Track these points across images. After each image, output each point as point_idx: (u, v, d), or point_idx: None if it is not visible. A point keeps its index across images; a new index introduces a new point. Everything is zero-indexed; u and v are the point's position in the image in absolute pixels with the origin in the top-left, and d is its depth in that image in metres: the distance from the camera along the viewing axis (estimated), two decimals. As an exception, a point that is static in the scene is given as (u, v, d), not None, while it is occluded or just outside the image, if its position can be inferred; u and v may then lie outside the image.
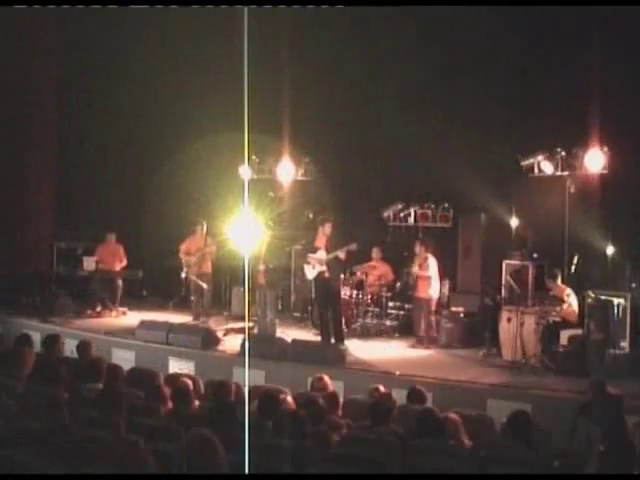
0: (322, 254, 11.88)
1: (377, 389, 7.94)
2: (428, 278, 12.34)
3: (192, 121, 15.70)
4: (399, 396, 7.91)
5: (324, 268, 11.88)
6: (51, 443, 5.52)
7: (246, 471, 5.19)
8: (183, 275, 14.05)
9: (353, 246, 11.83)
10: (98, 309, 14.42)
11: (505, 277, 12.04)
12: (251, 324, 13.28)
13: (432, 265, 12.36)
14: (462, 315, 12.62)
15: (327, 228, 11.99)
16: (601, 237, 12.17)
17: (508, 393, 9.26)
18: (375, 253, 13.65)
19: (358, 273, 13.53)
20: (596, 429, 6.82)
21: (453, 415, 6.92)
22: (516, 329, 10.92)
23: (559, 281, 11.41)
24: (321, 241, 12.00)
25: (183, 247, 14.07)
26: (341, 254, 11.75)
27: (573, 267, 11.79)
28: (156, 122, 15.88)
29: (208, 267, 14.02)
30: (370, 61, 14.31)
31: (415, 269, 12.43)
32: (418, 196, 13.86)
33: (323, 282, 12.00)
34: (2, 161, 15.33)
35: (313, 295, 13.17)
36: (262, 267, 12.42)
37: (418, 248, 12.51)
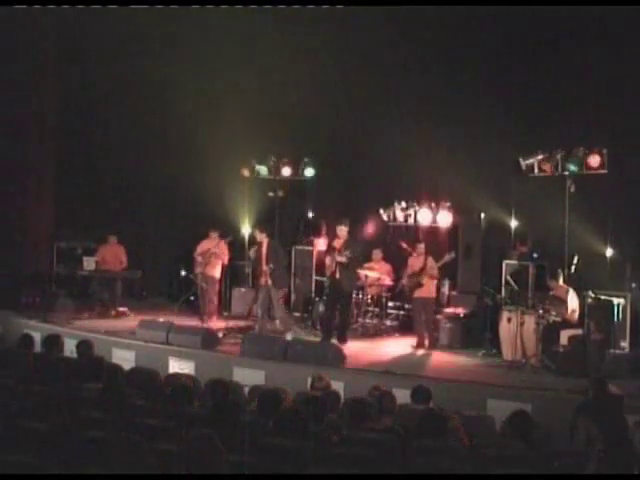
0: (335, 255, 12.00)
1: (376, 388, 7.94)
2: (429, 279, 12.33)
3: (194, 121, 15.71)
4: (399, 396, 7.91)
5: (334, 268, 12.00)
6: (51, 443, 5.52)
7: (246, 471, 5.19)
8: (190, 275, 14.04)
9: (347, 253, 11.89)
10: (98, 309, 14.41)
11: (505, 277, 12.05)
12: (251, 324, 13.32)
13: (434, 267, 12.34)
14: (462, 315, 12.63)
15: (341, 230, 12.11)
16: (601, 237, 12.17)
17: (508, 393, 9.26)
18: (375, 254, 13.64)
19: (360, 273, 13.54)
20: (596, 429, 6.82)
21: (453, 415, 6.92)
22: (516, 329, 10.93)
23: (561, 281, 11.40)
24: (338, 242, 12.14)
25: (198, 249, 14.09)
26: (341, 258, 11.87)
27: (573, 267, 11.79)
28: (157, 122, 15.89)
29: (213, 269, 13.99)
30: (371, 61, 14.32)
31: (419, 273, 12.39)
32: (418, 196, 13.87)
33: (334, 283, 12.11)
34: (2, 161, 15.31)
35: (313, 294, 13.23)
36: (266, 268, 12.45)
37: (419, 249, 12.44)
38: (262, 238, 12.69)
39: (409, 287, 12.48)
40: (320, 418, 6.52)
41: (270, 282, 12.49)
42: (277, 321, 13.21)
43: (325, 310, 12.73)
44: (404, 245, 12.87)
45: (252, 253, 13.00)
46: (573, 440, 6.85)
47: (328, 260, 12.24)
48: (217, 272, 14.05)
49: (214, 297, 14.06)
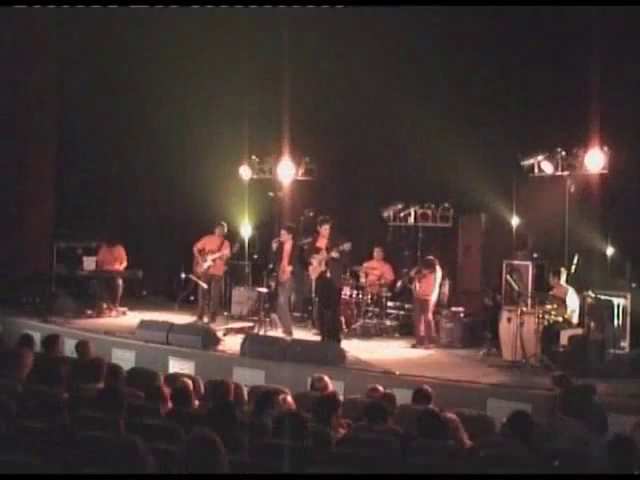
0: (323, 254, 11.99)
1: (374, 389, 7.94)
2: (430, 280, 12.34)
3: (193, 121, 15.72)
4: (399, 396, 7.91)
5: (324, 268, 11.99)
6: (51, 443, 5.52)
7: (246, 471, 5.19)
8: (191, 276, 14.06)
9: (346, 246, 11.87)
10: (98, 309, 14.40)
11: (505, 277, 12.05)
12: (251, 324, 13.32)
13: (438, 279, 12.36)
14: (462, 315, 12.63)
15: (326, 229, 12.10)
16: (601, 237, 12.17)
17: (508, 393, 9.26)
18: (376, 253, 13.67)
19: (360, 273, 13.55)
20: (574, 425, 6.81)
21: (453, 415, 6.92)
22: (516, 329, 10.93)
23: (562, 280, 11.37)
24: (322, 242, 12.12)
25: (199, 244, 14.08)
26: (334, 254, 11.86)
27: (573, 267, 11.79)
28: (156, 122, 15.90)
29: (219, 269, 14.02)
30: (370, 61, 14.31)
31: (417, 281, 12.41)
32: (418, 196, 13.87)
33: (323, 282, 12.13)
34: (2, 161, 15.31)
35: (314, 295, 13.24)
36: (290, 268, 12.45)
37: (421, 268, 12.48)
38: (286, 238, 12.69)
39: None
40: (320, 418, 6.53)
41: (291, 282, 12.49)
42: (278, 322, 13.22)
43: (319, 311, 12.72)
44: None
45: (274, 245, 12.92)
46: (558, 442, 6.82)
47: (315, 262, 12.18)
48: (221, 272, 14.10)
49: (217, 296, 14.08)
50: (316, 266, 12.15)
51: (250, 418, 6.53)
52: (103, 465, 4.86)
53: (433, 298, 12.40)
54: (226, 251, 13.97)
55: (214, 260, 13.86)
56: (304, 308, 14.23)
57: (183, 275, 14.13)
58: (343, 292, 12.89)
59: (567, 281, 11.42)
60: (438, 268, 12.39)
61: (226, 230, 14.13)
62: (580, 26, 12.14)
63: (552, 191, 12.12)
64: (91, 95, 15.64)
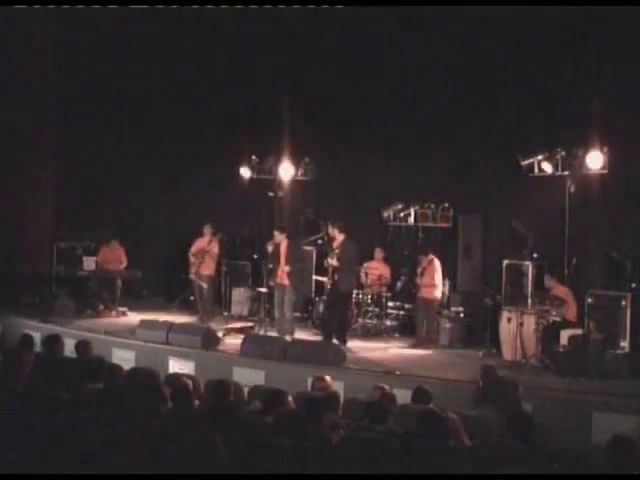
0: (332, 257, 12.08)
1: (379, 387, 7.93)
2: (432, 280, 12.34)
3: (193, 121, 15.71)
4: (399, 396, 7.90)
5: (333, 271, 12.09)
6: (51, 443, 5.52)
7: (246, 471, 5.20)
8: (189, 276, 14.09)
9: (337, 253, 11.92)
10: (98, 309, 14.41)
11: (505, 277, 12.06)
12: (251, 324, 13.33)
13: (438, 269, 12.37)
14: (462, 315, 12.63)
15: (333, 232, 12.17)
16: (601, 237, 12.17)
17: (508, 393, 9.24)
18: (377, 253, 13.67)
19: (360, 273, 13.56)
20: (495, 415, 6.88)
21: (453, 415, 6.92)
22: (516, 329, 10.93)
23: (559, 281, 11.40)
24: (335, 243, 12.20)
25: (192, 248, 14.10)
26: (332, 261, 11.97)
27: (573, 267, 11.79)
28: (156, 121, 15.90)
29: (208, 268, 14.01)
30: (370, 60, 14.32)
31: (419, 276, 12.43)
32: (418, 196, 13.87)
33: (332, 283, 12.16)
34: (2, 161, 15.31)
35: (313, 294, 13.26)
36: (287, 268, 12.43)
37: (421, 258, 12.50)
38: (281, 239, 12.68)
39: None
40: (320, 418, 6.52)
41: (288, 283, 12.51)
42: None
43: (324, 310, 12.77)
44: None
45: (270, 247, 12.92)
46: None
47: (326, 262, 12.33)
48: (212, 270, 14.08)
49: (211, 295, 14.08)
50: (327, 266, 12.28)
51: (251, 417, 6.53)
52: (103, 465, 4.86)
53: (437, 294, 12.38)
54: (212, 245, 13.93)
55: (203, 256, 13.85)
56: (304, 308, 14.22)
57: (184, 275, 14.13)
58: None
59: (564, 281, 11.44)
60: (435, 258, 12.37)
61: (212, 229, 14.10)
62: (580, 26, 12.14)
63: (552, 191, 12.11)
64: (91, 96, 15.63)
